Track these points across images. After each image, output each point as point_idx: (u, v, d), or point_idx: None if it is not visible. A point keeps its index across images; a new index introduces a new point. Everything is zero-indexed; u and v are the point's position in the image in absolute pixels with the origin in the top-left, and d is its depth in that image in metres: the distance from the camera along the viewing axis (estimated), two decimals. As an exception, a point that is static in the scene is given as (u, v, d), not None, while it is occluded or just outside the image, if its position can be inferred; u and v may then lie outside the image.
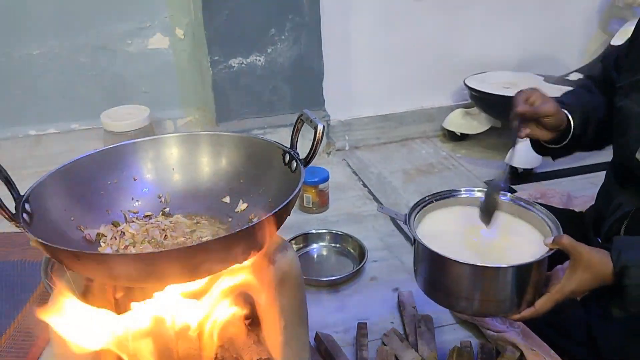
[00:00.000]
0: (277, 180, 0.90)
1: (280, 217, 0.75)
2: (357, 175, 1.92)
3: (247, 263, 0.75)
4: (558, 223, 0.93)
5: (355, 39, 1.98)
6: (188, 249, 0.64)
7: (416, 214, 0.99)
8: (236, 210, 0.91)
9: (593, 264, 0.90)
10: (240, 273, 0.76)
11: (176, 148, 0.93)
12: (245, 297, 0.84)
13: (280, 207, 0.72)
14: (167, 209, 0.93)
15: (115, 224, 0.88)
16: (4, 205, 0.71)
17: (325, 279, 1.34)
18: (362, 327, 1.18)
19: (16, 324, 1.22)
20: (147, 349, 0.77)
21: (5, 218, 0.71)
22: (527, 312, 0.93)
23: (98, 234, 0.85)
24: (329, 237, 1.51)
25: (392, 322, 1.23)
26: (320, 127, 0.83)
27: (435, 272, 0.90)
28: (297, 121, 0.91)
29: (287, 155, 0.89)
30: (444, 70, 2.15)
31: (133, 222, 0.89)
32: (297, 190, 0.78)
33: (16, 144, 1.83)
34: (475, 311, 0.92)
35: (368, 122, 2.13)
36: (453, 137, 2.15)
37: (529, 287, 0.89)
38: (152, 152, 0.91)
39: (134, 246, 0.83)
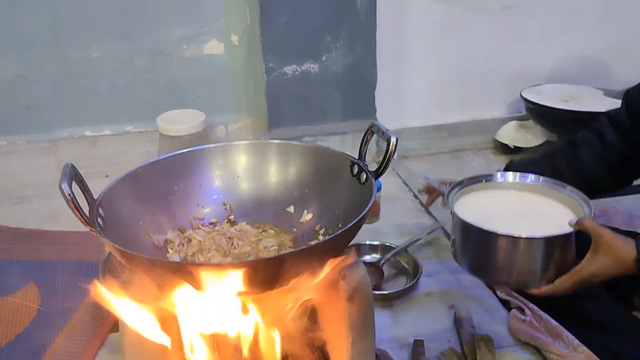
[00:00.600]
0: (344, 192, 0.88)
1: (355, 231, 0.74)
2: (407, 186, 1.89)
3: (318, 277, 0.74)
4: (590, 203, 0.94)
5: (409, 48, 1.96)
6: (271, 259, 0.63)
7: (455, 193, 1.13)
8: (301, 220, 0.90)
9: (615, 247, 0.91)
10: (310, 287, 0.75)
11: (244, 155, 0.92)
12: (309, 312, 0.82)
13: (357, 219, 0.71)
14: (232, 217, 0.92)
15: (181, 230, 0.87)
16: (82, 210, 0.71)
17: (378, 293, 1.32)
18: (418, 345, 1.15)
19: (73, 323, 1.24)
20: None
21: (82, 222, 0.71)
22: (544, 289, 0.98)
23: (166, 240, 0.85)
24: (381, 249, 1.48)
25: (449, 341, 1.20)
26: (393, 140, 0.82)
27: (474, 245, 1.03)
28: (366, 132, 0.89)
29: (356, 166, 0.87)
30: (498, 81, 2.11)
31: (199, 228, 0.88)
32: (370, 202, 0.76)
33: (73, 145, 1.87)
34: (511, 282, 1.05)
35: (418, 132, 2.10)
36: (505, 150, 2.10)
37: (552, 263, 0.92)
38: (222, 159, 0.91)
39: (201, 253, 0.83)
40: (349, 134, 1.87)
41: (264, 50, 1.74)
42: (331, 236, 0.67)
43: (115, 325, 1.23)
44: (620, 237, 0.90)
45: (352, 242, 1.43)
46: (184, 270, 0.66)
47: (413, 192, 1.84)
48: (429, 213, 1.72)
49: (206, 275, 0.63)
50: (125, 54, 1.83)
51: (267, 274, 0.65)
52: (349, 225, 0.69)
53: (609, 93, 1.98)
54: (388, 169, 0.84)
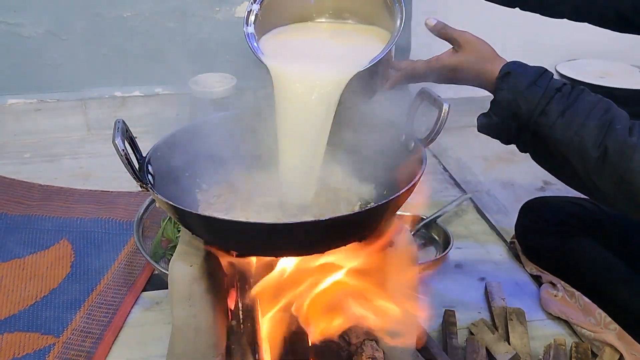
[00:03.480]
0: (390, 159, 0.87)
1: (404, 197, 0.73)
2: (436, 158, 1.87)
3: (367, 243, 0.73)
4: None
5: (444, 17, 1.91)
6: (324, 221, 0.63)
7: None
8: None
9: (480, 48, 0.92)
10: (360, 252, 0.75)
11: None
12: (357, 276, 0.82)
13: (409, 185, 0.70)
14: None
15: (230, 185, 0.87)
16: (133, 165, 0.71)
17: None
18: (450, 315, 1.15)
19: (106, 280, 1.25)
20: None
21: (134, 178, 0.71)
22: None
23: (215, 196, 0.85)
24: (412, 220, 1.47)
25: (480, 312, 1.20)
26: (446, 107, 0.81)
27: None
28: (416, 99, 0.88)
29: (404, 134, 0.86)
30: (531, 55, 2.03)
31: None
32: (422, 170, 0.75)
33: (102, 104, 1.87)
34: None
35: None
36: (535, 126, 2.07)
37: None
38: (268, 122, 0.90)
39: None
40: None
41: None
42: (384, 201, 0.66)
43: (148, 283, 1.25)
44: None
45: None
46: (234, 227, 0.65)
47: (442, 165, 1.83)
48: (458, 185, 1.71)
49: (263, 234, 0.63)
50: (157, 14, 1.81)
51: (321, 236, 0.65)
52: (403, 190, 0.69)
53: (646, 71, 1.94)
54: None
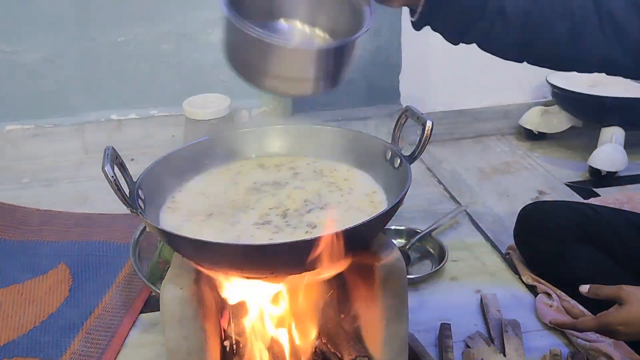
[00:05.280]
0: (377, 177, 0.88)
1: (391, 214, 0.74)
2: (430, 171, 1.89)
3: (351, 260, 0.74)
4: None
5: (434, 32, 1.94)
6: (307, 241, 0.64)
7: None
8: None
9: None
10: (345, 269, 0.76)
11: (279, 140, 0.93)
12: (344, 294, 0.83)
13: (393, 204, 0.71)
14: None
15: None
16: (123, 190, 0.72)
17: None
18: (445, 328, 1.16)
19: (104, 304, 1.26)
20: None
21: (125, 204, 0.72)
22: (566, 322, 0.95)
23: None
24: (407, 234, 1.48)
25: (476, 325, 1.20)
26: (429, 124, 0.82)
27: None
28: (400, 116, 0.89)
29: (390, 151, 0.88)
30: (522, 66, 2.07)
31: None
32: (407, 187, 0.76)
33: (99, 128, 1.89)
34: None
35: (442, 116, 2.09)
36: (530, 136, 2.08)
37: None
38: (257, 142, 0.92)
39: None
40: (373, 118, 1.87)
41: (288, 34, 1.74)
42: (368, 219, 0.67)
43: (145, 305, 1.26)
44: None
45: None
46: (226, 250, 0.66)
47: (437, 178, 1.84)
48: (453, 197, 1.72)
49: (246, 255, 0.64)
50: (151, 37, 1.84)
51: (302, 256, 0.66)
52: (387, 208, 0.70)
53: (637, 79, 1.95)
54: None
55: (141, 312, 1.24)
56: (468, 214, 1.61)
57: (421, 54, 1.96)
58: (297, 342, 0.80)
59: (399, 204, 0.73)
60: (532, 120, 2.05)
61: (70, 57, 1.83)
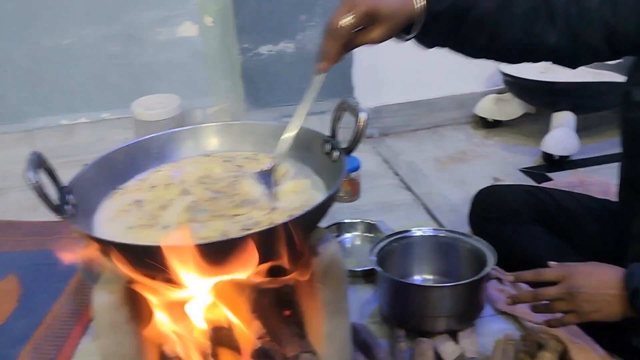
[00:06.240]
0: (317, 170, 0.88)
1: (323, 209, 0.74)
2: (387, 163, 1.89)
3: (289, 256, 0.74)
4: None
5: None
6: (237, 239, 0.63)
7: None
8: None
9: (598, 269, 0.90)
10: (282, 264, 0.75)
11: (215, 137, 0.91)
12: (286, 289, 0.82)
13: (326, 197, 0.71)
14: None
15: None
16: (47, 196, 0.70)
17: (360, 269, 1.32)
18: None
19: (54, 312, 1.24)
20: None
21: (50, 209, 0.70)
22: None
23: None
24: (363, 226, 1.48)
25: (430, 313, 1.21)
26: (363, 116, 0.81)
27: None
28: (337, 109, 0.89)
29: (328, 144, 0.87)
30: (473, 62, 2.10)
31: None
32: (340, 179, 0.76)
33: (49, 134, 1.85)
34: None
35: (398, 109, 2.10)
36: (485, 124, 2.11)
37: None
38: (191, 141, 0.90)
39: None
40: (328, 113, 1.86)
41: (238, 30, 1.72)
42: (297, 215, 0.67)
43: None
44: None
45: (334, 221, 1.46)
46: (160, 254, 0.65)
47: (393, 170, 1.85)
48: (409, 188, 1.72)
49: (174, 257, 0.63)
50: (98, 39, 1.80)
51: (234, 254, 0.65)
52: (316, 204, 0.69)
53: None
54: (359, 145, 0.84)
55: (92, 319, 1.21)
56: (422, 203, 1.62)
57: (373, 46, 1.96)
58: (237, 342, 0.79)
59: (332, 197, 0.72)
60: (487, 108, 2.07)
61: (15, 62, 1.78)
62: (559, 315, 0.98)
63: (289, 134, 0.83)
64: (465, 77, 2.12)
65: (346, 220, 1.49)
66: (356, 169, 1.64)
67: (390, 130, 2.10)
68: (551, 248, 1.19)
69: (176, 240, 0.62)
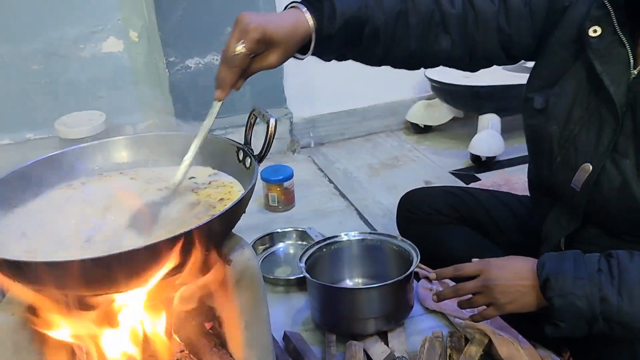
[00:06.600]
0: (234, 177, 0.88)
1: (233, 215, 0.73)
2: (322, 171, 1.91)
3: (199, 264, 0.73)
4: None
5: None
6: (139, 250, 0.61)
7: None
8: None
9: (512, 261, 0.93)
10: (195, 274, 0.74)
11: (125, 151, 0.90)
12: (204, 299, 0.81)
13: (231, 204, 0.71)
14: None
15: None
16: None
17: (294, 277, 1.32)
18: (330, 324, 1.17)
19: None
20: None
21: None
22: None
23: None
24: (295, 235, 1.49)
25: (362, 317, 1.22)
26: (272, 121, 0.82)
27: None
28: (249, 117, 0.89)
29: (241, 152, 0.87)
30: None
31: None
32: (250, 186, 0.76)
33: (-31, 156, 1.77)
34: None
35: (331, 118, 2.13)
36: (417, 130, 2.16)
37: None
38: (100, 155, 0.88)
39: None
40: (261, 124, 1.87)
41: (163, 44, 1.71)
42: (205, 222, 0.66)
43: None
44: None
45: (269, 230, 1.46)
46: (56, 269, 0.63)
47: (328, 178, 1.86)
48: (343, 195, 1.74)
49: (85, 271, 0.61)
50: (18, 58, 1.74)
51: (143, 267, 0.64)
52: (224, 210, 0.69)
53: (507, 67, 2.06)
54: (270, 151, 0.84)
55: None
56: (356, 209, 1.64)
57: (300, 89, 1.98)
58: (157, 357, 0.77)
59: (238, 204, 0.72)
60: (417, 114, 2.12)
61: None
62: (482, 309, 1.00)
63: (185, 163, 0.82)
64: (396, 84, 2.16)
65: (278, 230, 1.49)
66: (289, 178, 1.64)
67: (324, 139, 2.12)
68: (472, 245, 1.22)
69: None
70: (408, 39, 0.92)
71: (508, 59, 0.98)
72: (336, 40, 0.87)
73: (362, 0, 0.89)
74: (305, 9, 0.83)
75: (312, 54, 0.88)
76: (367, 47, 0.91)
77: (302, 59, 0.90)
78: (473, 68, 1.03)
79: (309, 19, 0.83)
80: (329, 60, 0.95)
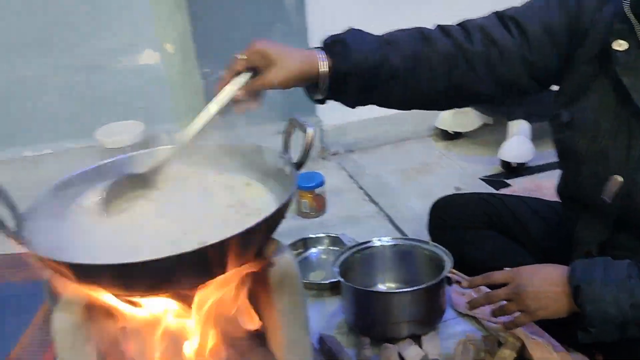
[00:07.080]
0: (273, 185, 0.91)
1: (275, 220, 0.76)
2: (352, 178, 1.93)
3: (244, 267, 0.76)
4: None
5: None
6: (198, 251, 0.65)
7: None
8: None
9: (543, 268, 0.94)
10: (238, 277, 0.77)
11: (177, 159, 0.94)
12: (249, 301, 0.85)
13: (274, 210, 0.74)
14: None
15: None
16: (3, 223, 0.72)
17: (327, 282, 1.35)
18: (363, 327, 1.19)
19: (22, 344, 1.23)
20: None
21: (8, 236, 0.72)
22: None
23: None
24: (328, 240, 1.52)
25: (395, 321, 1.24)
26: (310, 131, 0.85)
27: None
28: (287, 126, 0.92)
29: (281, 160, 0.91)
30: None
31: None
32: (290, 193, 0.79)
33: (14, 166, 1.85)
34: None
35: (360, 125, 2.15)
36: (446, 136, 2.17)
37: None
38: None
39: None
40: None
41: (198, 56, 1.76)
42: (248, 228, 0.70)
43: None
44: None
45: (300, 237, 1.49)
46: (118, 272, 0.67)
47: (358, 184, 1.89)
48: (373, 201, 1.77)
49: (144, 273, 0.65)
50: (60, 70, 1.82)
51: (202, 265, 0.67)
52: (266, 216, 0.72)
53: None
54: (309, 159, 0.87)
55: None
56: (387, 214, 1.66)
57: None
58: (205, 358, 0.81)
59: (281, 209, 0.75)
60: (447, 120, 2.14)
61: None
62: (514, 316, 1.01)
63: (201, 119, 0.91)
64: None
65: (311, 236, 1.52)
66: (321, 184, 1.67)
67: (354, 146, 2.15)
68: (503, 251, 1.23)
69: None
70: (433, 80, 0.93)
71: (540, 86, 0.99)
72: (352, 80, 0.89)
73: (378, 40, 0.91)
74: (320, 48, 0.88)
75: (331, 97, 0.91)
76: (387, 88, 0.93)
77: (322, 101, 0.94)
78: (504, 100, 1.03)
79: (318, 53, 0.88)
80: (352, 106, 0.97)
